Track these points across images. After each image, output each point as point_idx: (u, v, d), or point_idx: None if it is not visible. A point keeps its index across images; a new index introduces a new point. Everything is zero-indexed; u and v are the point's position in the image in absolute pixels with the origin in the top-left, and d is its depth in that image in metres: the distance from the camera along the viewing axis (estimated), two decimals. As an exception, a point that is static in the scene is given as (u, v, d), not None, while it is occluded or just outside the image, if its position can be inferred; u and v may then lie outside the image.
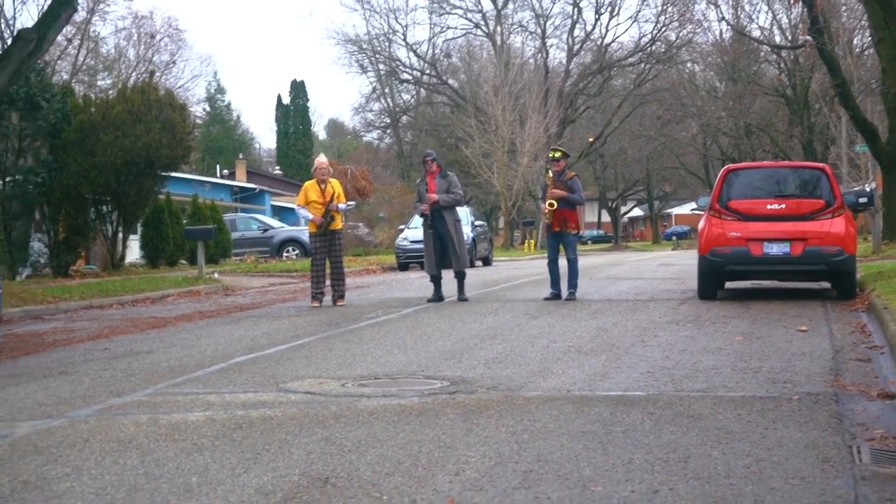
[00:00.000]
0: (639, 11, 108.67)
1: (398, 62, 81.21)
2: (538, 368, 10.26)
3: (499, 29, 75.93)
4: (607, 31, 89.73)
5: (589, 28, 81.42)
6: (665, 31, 74.32)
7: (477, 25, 78.22)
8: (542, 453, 6.44)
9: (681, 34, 73.01)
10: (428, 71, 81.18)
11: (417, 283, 26.93)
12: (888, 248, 31.30)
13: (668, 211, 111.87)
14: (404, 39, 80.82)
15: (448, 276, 19.87)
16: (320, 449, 6.74)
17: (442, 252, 19.17)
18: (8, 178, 31.65)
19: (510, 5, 77.28)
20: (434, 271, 19.28)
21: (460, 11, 77.84)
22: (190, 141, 36.01)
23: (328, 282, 19.92)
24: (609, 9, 76.81)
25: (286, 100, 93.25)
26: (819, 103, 59.38)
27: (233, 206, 56.02)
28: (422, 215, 19.20)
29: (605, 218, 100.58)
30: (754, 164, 20.87)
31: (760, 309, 16.13)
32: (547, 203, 18.78)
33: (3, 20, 41.82)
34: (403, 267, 37.01)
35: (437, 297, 19.42)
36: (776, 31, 65.26)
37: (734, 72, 67.07)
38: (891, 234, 33.94)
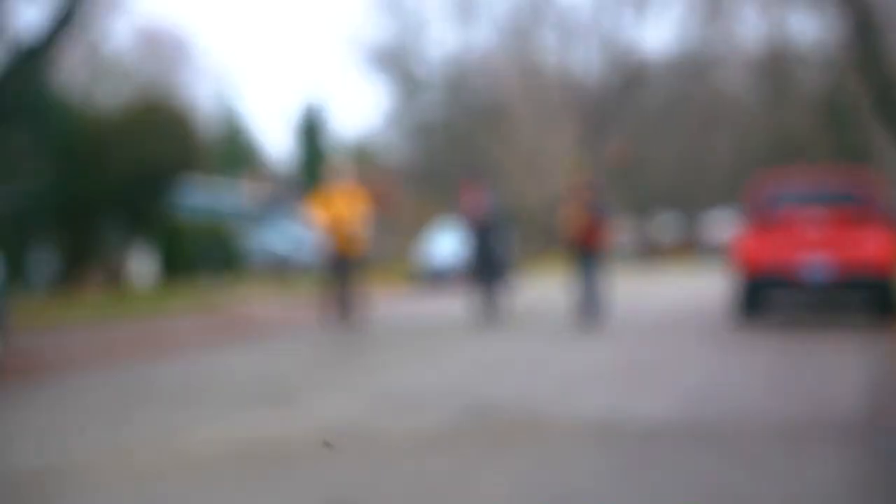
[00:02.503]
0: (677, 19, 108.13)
1: (419, 78, 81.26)
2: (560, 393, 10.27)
3: (523, 42, 75.94)
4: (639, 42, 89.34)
5: (618, 36, 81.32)
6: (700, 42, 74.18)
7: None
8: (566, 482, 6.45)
9: (715, 45, 72.88)
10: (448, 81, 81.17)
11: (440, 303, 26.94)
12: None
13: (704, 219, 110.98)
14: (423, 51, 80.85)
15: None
16: (335, 478, 6.78)
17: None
18: (14, 192, 31.86)
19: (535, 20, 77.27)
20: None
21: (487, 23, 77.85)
22: (199, 155, 36.17)
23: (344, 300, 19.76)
24: (638, 15, 76.72)
25: (300, 122, 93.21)
26: (861, 114, 59.18)
27: (248, 221, 56.06)
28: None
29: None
30: (792, 173, 20.60)
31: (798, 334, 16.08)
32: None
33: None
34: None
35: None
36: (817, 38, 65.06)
37: (771, 83, 66.92)
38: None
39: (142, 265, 38.29)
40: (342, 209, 18.40)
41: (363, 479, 6.81)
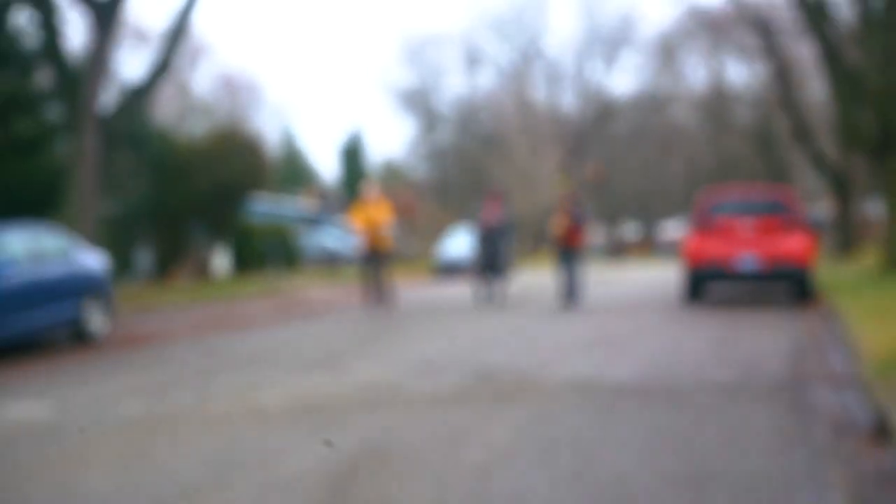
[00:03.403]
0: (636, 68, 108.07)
1: (436, 113, 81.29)
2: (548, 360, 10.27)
3: (521, 83, 75.91)
4: (607, 82, 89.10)
5: (593, 80, 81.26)
6: (655, 86, 74.08)
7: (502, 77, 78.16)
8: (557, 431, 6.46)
9: (666, 88, 72.79)
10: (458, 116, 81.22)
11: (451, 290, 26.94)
12: (843, 261, 31.06)
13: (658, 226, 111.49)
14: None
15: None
16: (374, 425, 6.79)
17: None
18: (121, 203, 32.03)
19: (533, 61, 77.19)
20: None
21: (493, 69, 77.70)
22: (266, 174, 36.25)
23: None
24: (608, 64, 76.67)
25: (344, 148, 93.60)
26: (783, 141, 59.13)
27: (304, 224, 56.18)
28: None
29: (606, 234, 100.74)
30: (730, 188, 20.59)
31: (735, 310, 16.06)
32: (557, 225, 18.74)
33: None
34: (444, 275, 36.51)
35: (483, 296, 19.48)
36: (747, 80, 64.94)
37: (713, 117, 66.91)
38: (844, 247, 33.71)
39: (221, 260, 38.46)
40: (373, 216, 18.70)
41: (393, 426, 6.83)
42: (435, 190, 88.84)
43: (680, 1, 70.56)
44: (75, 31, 41.24)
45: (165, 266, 33.93)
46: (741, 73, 73.31)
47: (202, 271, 35.55)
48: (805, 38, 30.23)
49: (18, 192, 23.74)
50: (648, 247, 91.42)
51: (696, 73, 73.56)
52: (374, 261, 18.93)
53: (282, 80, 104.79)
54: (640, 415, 7.02)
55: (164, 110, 55.52)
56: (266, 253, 33.29)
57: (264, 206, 49.70)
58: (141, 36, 48.12)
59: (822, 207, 46.90)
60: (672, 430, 6.42)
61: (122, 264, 31.55)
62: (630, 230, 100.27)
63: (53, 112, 24.79)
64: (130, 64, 64.74)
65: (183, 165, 33.32)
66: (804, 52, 47.47)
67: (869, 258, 30.40)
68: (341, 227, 61.28)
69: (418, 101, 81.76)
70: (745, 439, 6.15)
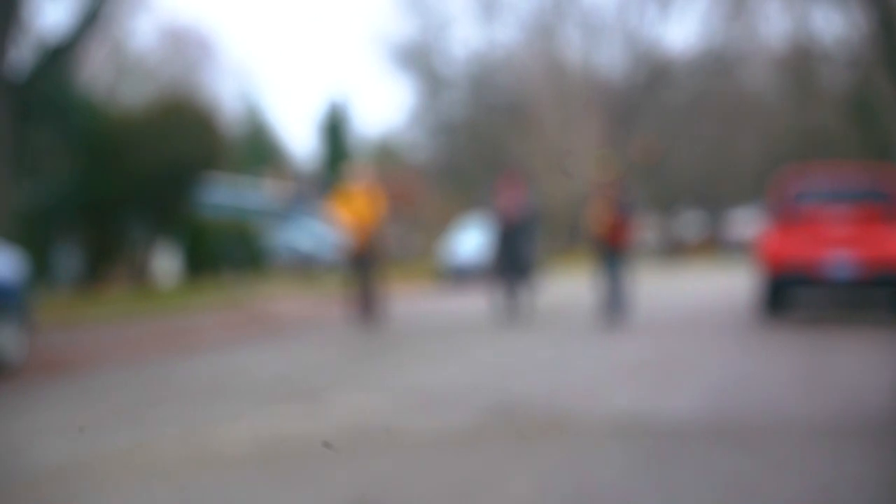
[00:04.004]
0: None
1: (442, 76, 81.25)
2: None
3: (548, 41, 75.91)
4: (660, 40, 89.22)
5: (643, 34, 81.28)
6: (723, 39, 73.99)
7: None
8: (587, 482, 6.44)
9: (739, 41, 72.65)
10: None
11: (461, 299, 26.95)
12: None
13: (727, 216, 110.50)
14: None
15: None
16: (361, 475, 6.78)
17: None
18: (39, 190, 32.06)
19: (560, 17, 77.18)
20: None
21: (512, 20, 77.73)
22: (223, 153, 36.33)
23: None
24: (662, 13, 76.60)
25: (324, 120, 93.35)
26: (887, 111, 58.96)
27: (271, 218, 56.25)
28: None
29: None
30: (818, 170, 20.41)
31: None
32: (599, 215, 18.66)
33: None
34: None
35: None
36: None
37: (795, 80, 66.81)
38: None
39: (166, 263, 38.44)
40: (362, 208, 18.56)
41: (388, 477, 6.82)
42: (441, 173, 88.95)
43: (754, -69, 70.48)
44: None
45: (96, 270, 33.96)
46: (833, 23, 73.25)
47: (142, 276, 35.57)
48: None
49: None
50: (713, 245, 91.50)
51: (774, 24, 73.41)
52: (364, 265, 18.83)
53: (243, 34, 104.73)
54: (702, 463, 6.99)
55: (94, 73, 55.60)
56: (223, 254, 33.30)
57: (221, 195, 49.78)
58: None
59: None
60: (744, 484, 6.39)
61: (41, 268, 31.55)
62: (690, 224, 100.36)
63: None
64: (50, 13, 64.92)
65: (118, 143, 33.32)
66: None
67: None
68: (319, 222, 61.33)
69: (419, 60, 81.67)
70: (841, 495, 6.12)
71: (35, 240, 31.50)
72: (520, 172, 19.88)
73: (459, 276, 36.22)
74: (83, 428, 8.95)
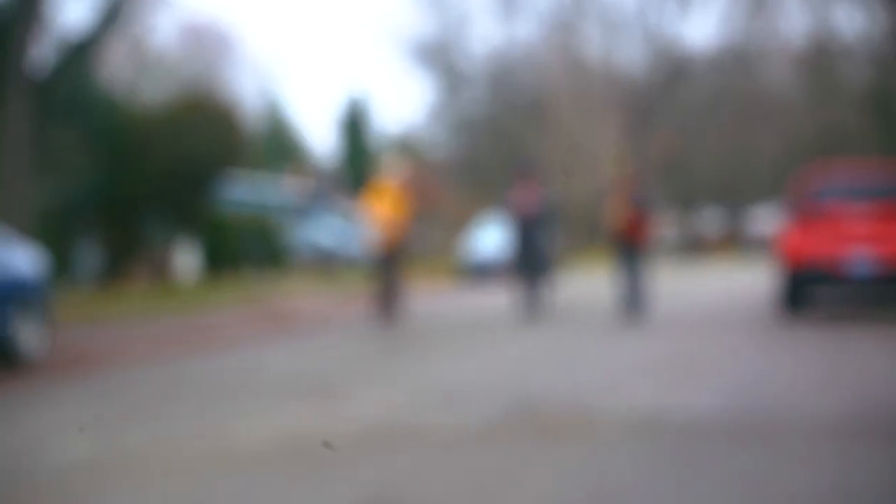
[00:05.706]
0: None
1: (462, 72, 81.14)
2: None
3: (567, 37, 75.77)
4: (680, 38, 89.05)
5: (663, 30, 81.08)
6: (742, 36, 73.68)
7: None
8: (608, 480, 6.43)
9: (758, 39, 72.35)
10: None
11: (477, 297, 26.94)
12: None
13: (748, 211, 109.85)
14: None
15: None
16: (381, 472, 6.77)
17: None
18: (60, 187, 32.15)
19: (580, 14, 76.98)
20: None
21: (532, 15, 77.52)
22: (243, 150, 36.37)
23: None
24: (682, 9, 76.35)
25: (344, 117, 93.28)
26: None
27: (291, 215, 56.32)
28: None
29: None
30: (839, 166, 20.29)
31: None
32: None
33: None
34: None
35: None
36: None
37: (816, 77, 66.56)
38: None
39: (186, 260, 38.51)
40: (390, 206, 18.49)
41: (408, 474, 6.81)
42: (460, 170, 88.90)
43: (775, -74, 70.25)
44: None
45: (116, 267, 34.06)
46: (853, 20, 73.19)
47: (163, 273, 35.65)
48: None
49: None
50: (733, 242, 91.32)
51: (794, 21, 73.26)
52: (389, 262, 18.73)
53: (263, 30, 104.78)
54: (722, 461, 6.97)
55: (115, 71, 55.74)
56: (243, 251, 33.34)
57: (241, 191, 49.87)
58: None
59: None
60: (765, 482, 6.37)
61: (63, 265, 31.65)
62: (710, 220, 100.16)
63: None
64: (72, 11, 65.18)
65: (139, 140, 33.40)
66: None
67: None
68: (339, 218, 61.39)
69: (439, 57, 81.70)
70: (862, 495, 6.09)
71: (56, 237, 31.61)
72: (533, 164, 19.79)
73: (479, 272, 36.13)
74: (83, 427, 8.97)
